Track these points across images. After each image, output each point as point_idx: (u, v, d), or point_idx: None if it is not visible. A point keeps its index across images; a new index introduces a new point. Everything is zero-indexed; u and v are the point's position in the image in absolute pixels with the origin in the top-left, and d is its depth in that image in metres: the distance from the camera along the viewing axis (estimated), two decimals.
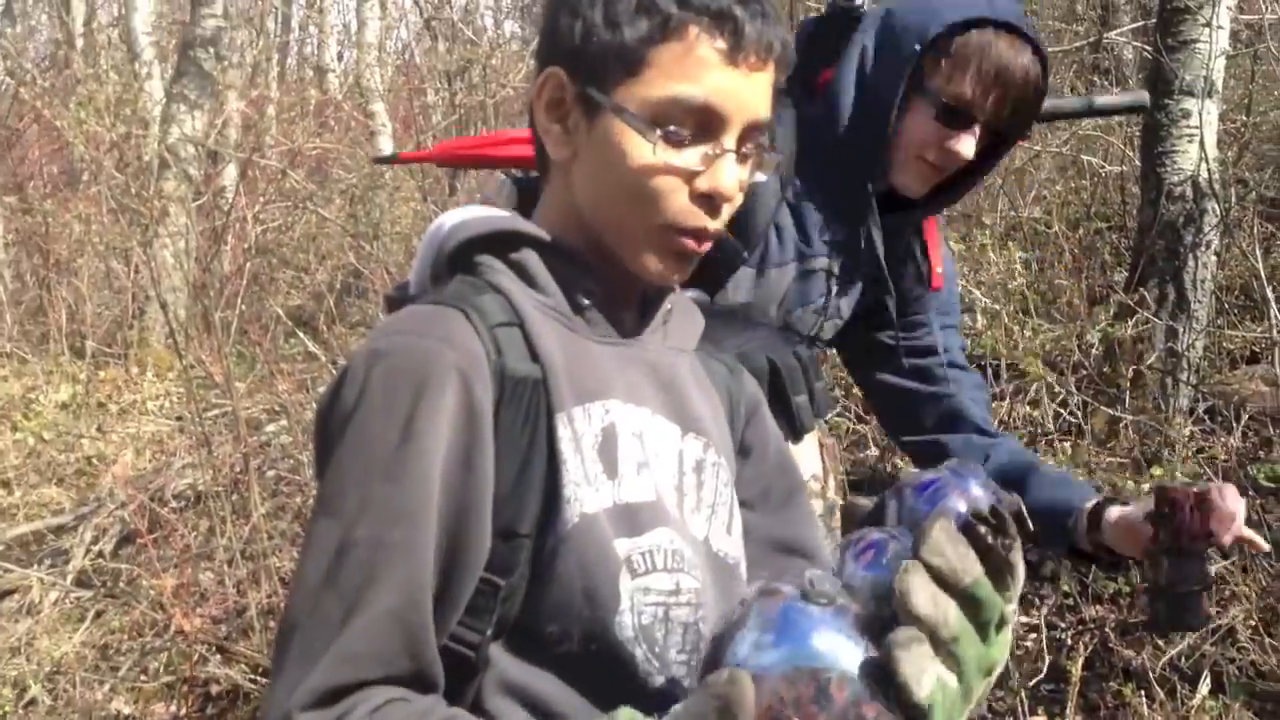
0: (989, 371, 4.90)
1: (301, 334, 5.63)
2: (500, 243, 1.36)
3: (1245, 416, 4.52)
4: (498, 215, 1.40)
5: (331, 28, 14.12)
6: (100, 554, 4.88)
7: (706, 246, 1.35)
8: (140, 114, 8.11)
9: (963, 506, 1.19)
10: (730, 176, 1.31)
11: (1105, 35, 7.01)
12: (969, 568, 1.03)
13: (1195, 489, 1.90)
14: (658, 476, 1.34)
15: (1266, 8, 5.02)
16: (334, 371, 5.47)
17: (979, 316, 5.09)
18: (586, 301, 1.37)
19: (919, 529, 1.04)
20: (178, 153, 7.96)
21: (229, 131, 8.66)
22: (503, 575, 1.24)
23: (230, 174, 8.79)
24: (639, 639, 1.26)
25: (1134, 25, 7.23)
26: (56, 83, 9.97)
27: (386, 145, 10.20)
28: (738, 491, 1.46)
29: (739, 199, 1.36)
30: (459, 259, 1.36)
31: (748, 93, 1.31)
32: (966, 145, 2.07)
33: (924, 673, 0.99)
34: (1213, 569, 1.97)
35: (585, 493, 1.27)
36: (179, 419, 6.30)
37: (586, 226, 1.37)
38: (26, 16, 17.46)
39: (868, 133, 2.10)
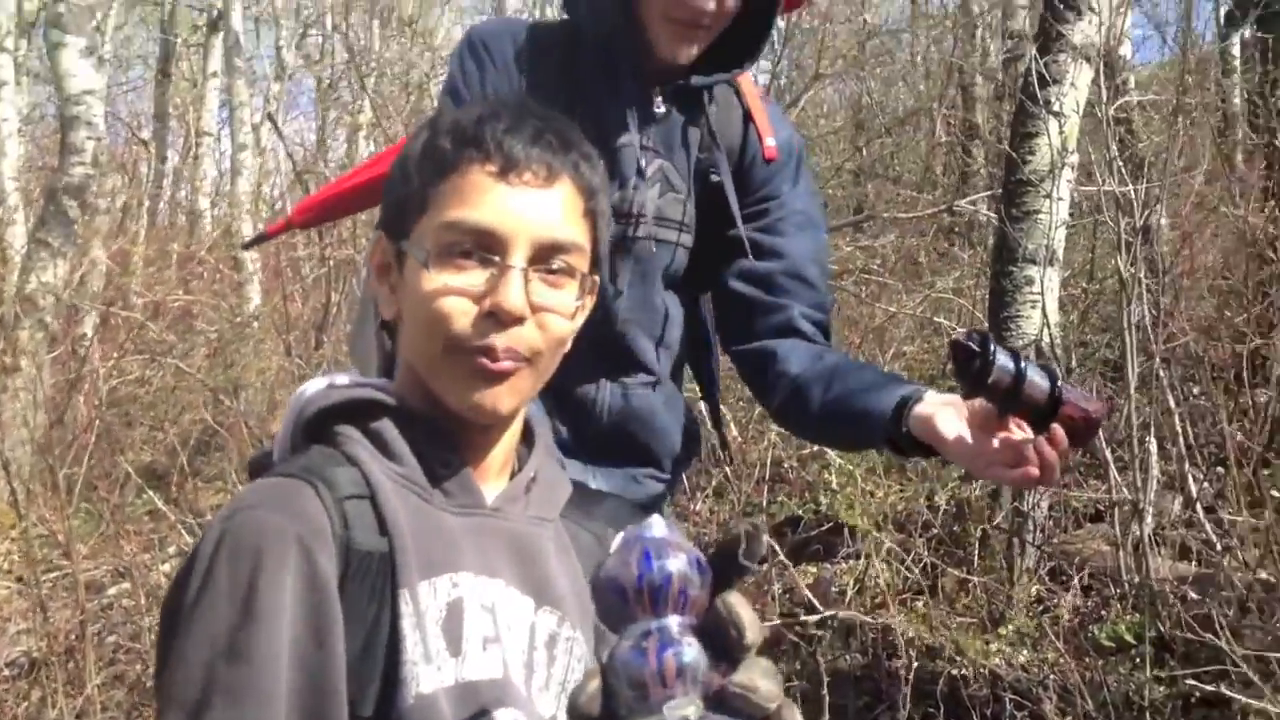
0: (845, 531, 4.98)
1: (151, 492, 5.49)
2: (359, 411, 1.36)
3: (1086, 575, 4.63)
4: (357, 385, 1.40)
5: (204, 176, 14.06)
6: None
7: (508, 365, 1.34)
8: (4, 261, 7.96)
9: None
10: (514, 292, 1.32)
11: (956, 203, 7.30)
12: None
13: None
14: (507, 652, 1.32)
15: (1104, 180, 5.27)
16: (182, 531, 5.37)
17: (834, 476, 5.18)
18: (445, 471, 1.36)
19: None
20: (35, 301, 7.79)
21: (93, 280, 8.52)
22: None
23: (91, 323, 8.64)
24: None
25: (985, 194, 7.56)
26: None
27: (255, 295, 10.15)
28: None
29: (558, 326, 1.37)
30: (317, 428, 1.36)
31: (530, 211, 1.34)
32: None
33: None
34: None
35: (423, 671, 1.24)
36: (19, 580, 6.07)
37: (419, 381, 1.38)
38: None
39: (618, 9, 2.05)
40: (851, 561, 5.00)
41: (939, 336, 7.15)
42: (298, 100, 20.74)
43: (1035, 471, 1.73)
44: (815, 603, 4.57)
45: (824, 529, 5.16)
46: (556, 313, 1.37)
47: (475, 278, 1.33)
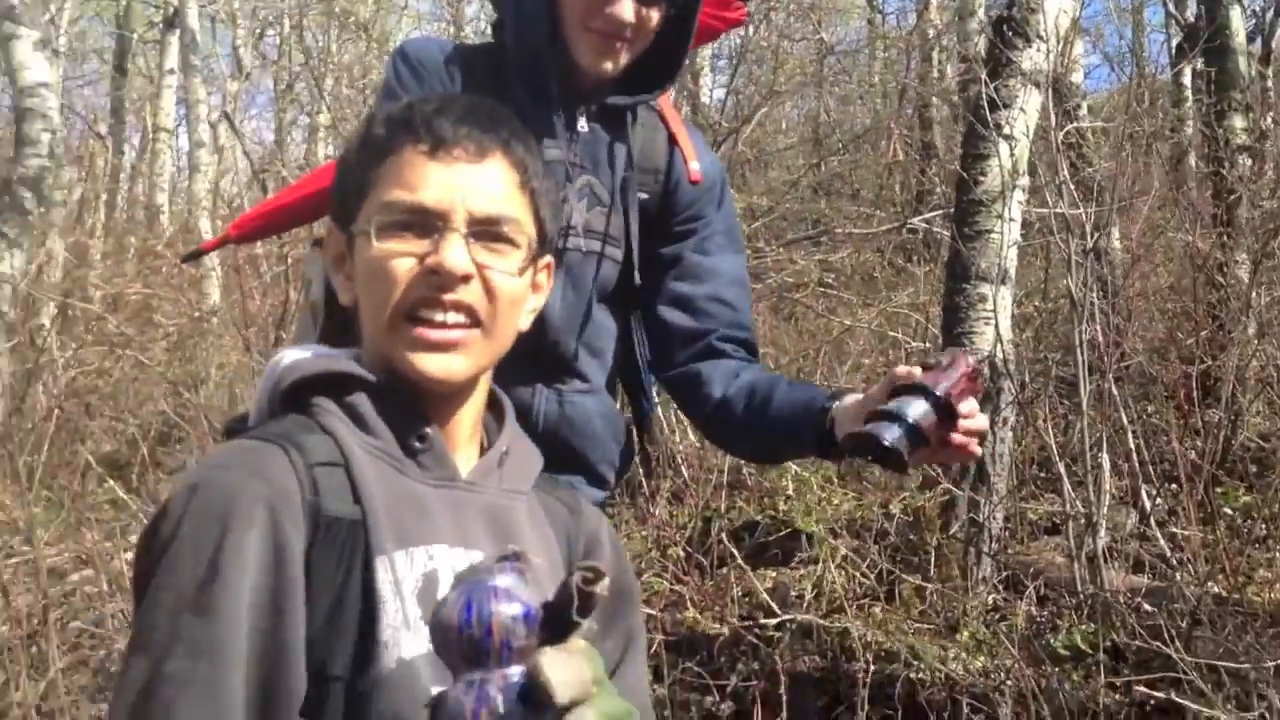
0: (802, 537, 5.05)
1: (112, 481, 5.47)
2: (334, 384, 1.40)
3: (1041, 585, 4.73)
4: (333, 356, 1.44)
5: (162, 172, 13.96)
6: None
7: (454, 335, 1.40)
8: None
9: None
10: (456, 253, 1.38)
11: (909, 221, 7.42)
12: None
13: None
14: None
15: (1054, 202, 5.41)
16: (144, 521, 5.35)
17: (790, 482, 5.26)
18: (419, 445, 1.40)
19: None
20: None
21: (51, 271, 8.46)
22: (315, 718, 1.23)
23: (48, 314, 8.57)
24: None
25: (939, 212, 7.69)
26: None
27: (213, 291, 10.10)
28: None
29: (507, 287, 1.42)
30: (293, 397, 1.40)
31: (464, 184, 1.41)
32: (622, 7, 2.04)
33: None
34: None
35: (404, 637, 1.28)
36: None
37: (380, 359, 1.42)
38: None
39: (540, 23, 2.10)
40: (809, 567, 5.08)
41: (896, 349, 7.26)
42: (255, 100, 20.66)
43: (976, 447, 1.87)
44: (774, 606, 4.64)
45: (782, 534, 5.23)
46: (501, 271, 1.42)
47: (418, 244, 1.39)
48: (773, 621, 4.54)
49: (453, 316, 1.39)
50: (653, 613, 4.58)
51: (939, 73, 11.96)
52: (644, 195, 2.24)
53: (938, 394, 1.77)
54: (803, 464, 5.38)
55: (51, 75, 9.50)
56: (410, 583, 1.30)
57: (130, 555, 5.19)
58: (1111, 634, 4.26)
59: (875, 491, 5.33)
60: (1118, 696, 4.06)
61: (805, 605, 4.81)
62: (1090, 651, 4.23)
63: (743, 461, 6.09)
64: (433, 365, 1.39)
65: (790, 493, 5.26)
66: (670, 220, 2.27)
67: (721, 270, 2.29)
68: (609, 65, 2.11)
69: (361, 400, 1.39)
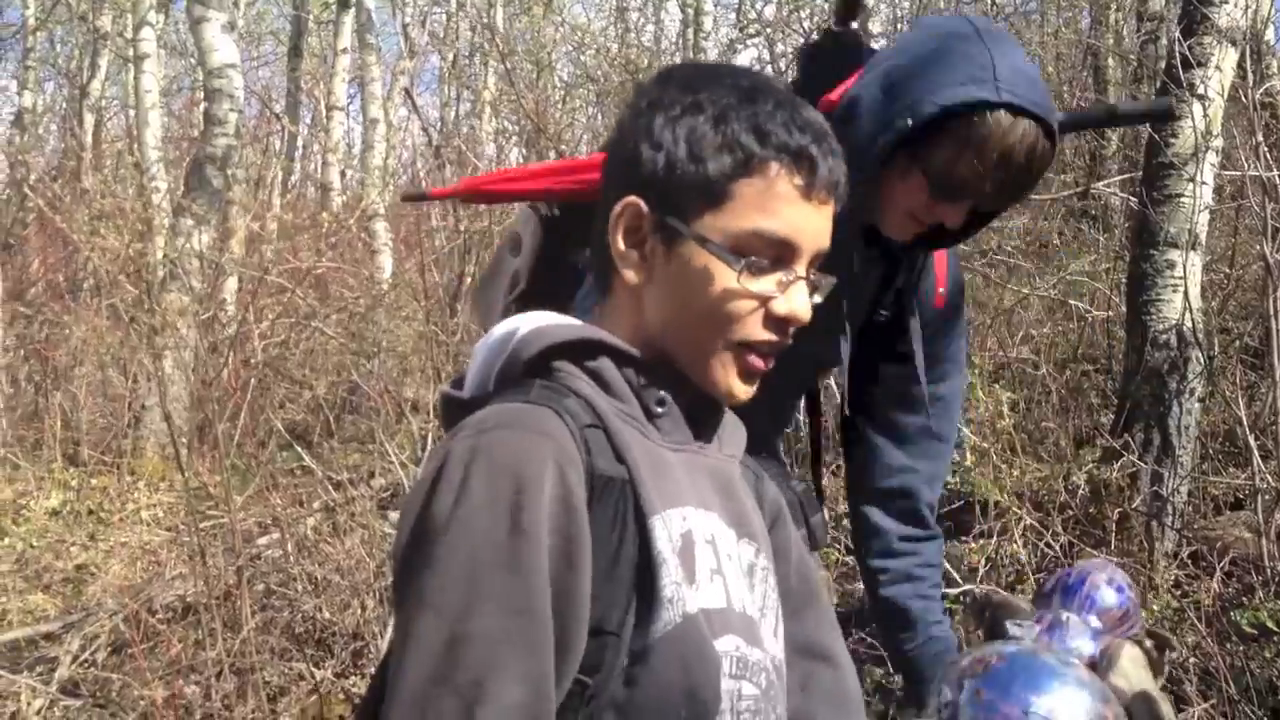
0: (977, 508, 4.97)
1: (298, 448, 5.67)
2: (576, 350, 1.41)
3: (1228, 562, 4.58)
4: (573, 323, 1.45)
5: (336, 147, 14.36)
6: (88, 663, 4.86)
7: (770, 364, 1.43)
8: (153, 227, 8.25)
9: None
10: (804, 302, 1.40)
11: (1092, 186, 7.20)
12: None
13: None
14: (729, 582, 1.38)
15: (1249, 164, 5.19)
16: (328, 487, 5.55)
17: (968, 454, 5.17)
18: (660, 409, 1.42)
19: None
20: (184, 266, 8.08)
21: (235, 246, 8.79)
22: (590, 674, 1.24)
23: (231, 288, 8.91)
24: None
25: (1121, 176, 7.44)
26: (65, 192, 10.11)
27: (387, 263, 10.37)
28: None
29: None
30: (536, 364, 1.40)
31: (818, 225, 1.40)
32: (955, 216, 2.07)
33: None
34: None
35: (687, 593, 1.30)
36: (170, 530, 6.31)
37: (655, 344, 1.43)
38: (35, 125, 17.76)
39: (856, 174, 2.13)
40: (983, 540, 4.99)
41: (1070, 321, 7.08)
42: (421, 77, 21.06)
43: None
44: (954, 575, 4.58)
45: (956, 506, 5.15)
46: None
47: (768, 284, 1.38)
48: (954, 591, 4.48)
49: (773, 347, 1.42)
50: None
51: (1114, 34, 11.54)
52: (880, 317, 2.33)
53: None
54: (981, 435, 5.28)
55: (237, 56, 9.83)
56: (675, 542, 1.32)
57: (313, 521, 5.43)
58: None
59: (1055, 463, 5.20)
60: None
61: (979, 579, 4.74)
62: (1278, 630, 4.08)
63: None
64: (743, 395, 1.43)
65: (969, 464, 5.16)
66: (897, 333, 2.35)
67: (944, 398, 2.41)
68: (906, 240, 2.16)
69: (607, 365, 1.41)
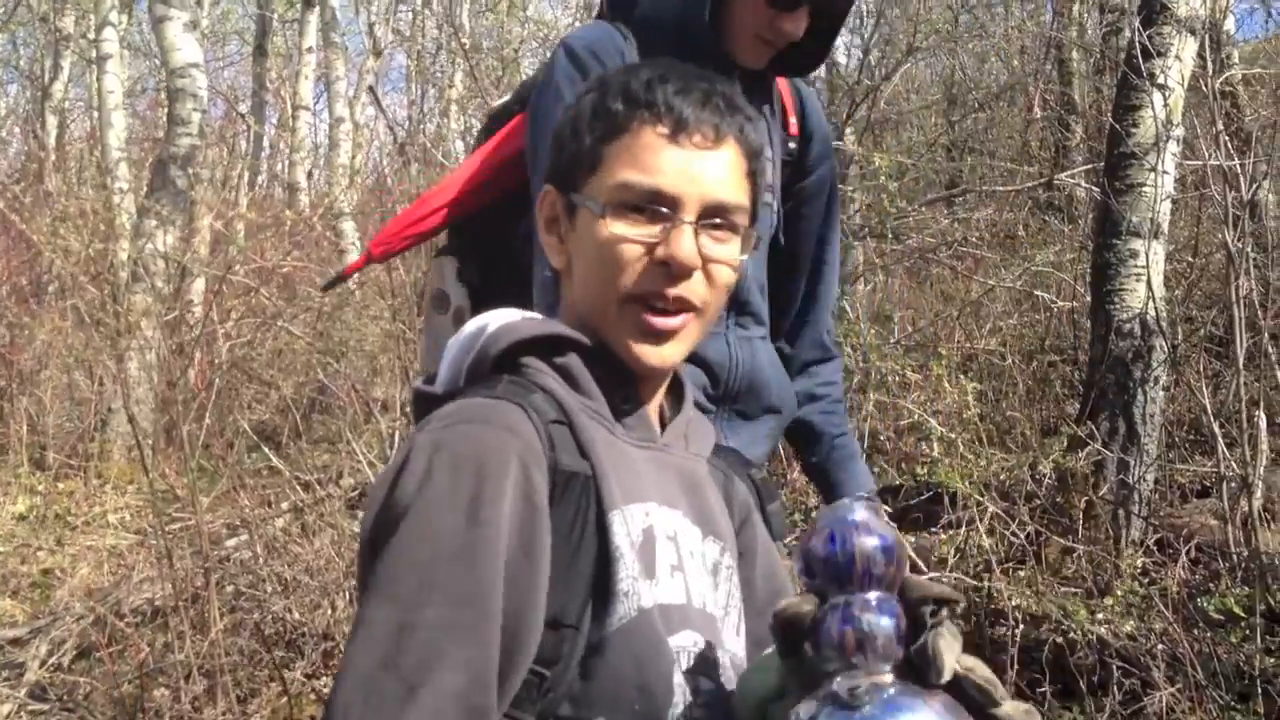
0: (945, 499, 4.99)
1: (265, 449, 5.64)
2: (545, 346, 1.43)
3: (1194, 549, 4.61)
4: (539, 319, 1.47)
5: (302, 146, 14.29)
6: (56, 667, 4.82)
7: (676, 322, 1.42)
8: (115, 229, 8.19)
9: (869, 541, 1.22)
10: (686, 245, 1.40)
11: (1056, 177, 7.24)
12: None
13: None
14: (689, 579, 1.39)
15: (1210, 154, 5.23)
16: (297, 488, 5.53)
17: (935, 444, 5.19)
18: (627, 406, 1.44)
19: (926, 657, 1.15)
20: (148, 267, 8.02)
21: (200, 247, 8.74)
22: (548, 666, 1.25)
23: (198, 288, 8.85)
24: None
25: (1085, 167, 7.48)
26: (28, 195, 10.02)
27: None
28: None
29: (725, 276, 1.45)
30: (504, 360, 1.42)
31: (698, 171, 1.41)
32: (796, 25, 2.17)
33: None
34: None
35: (643, 588, 1.31)
36: (138, 533, 6.27)
37: (588, 329, 1.45)
38: None
39: (697, 15, 2.18)
40: (951, 531, 5.01)
41: (1036, 311, 7.12)
42: (389, 75, 20.99)
43: None
44: (921, 565, 4.60)
45: (924, 498, 5.17)
46: (724, 263, 1.44)
47: (648, 230, 1.40)
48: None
49: (676, 301, 1.42)
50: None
51: (1078, 26, 11.61)
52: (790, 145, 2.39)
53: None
54: (948, 426, 5.30)
55: (200, 56, 9.77)
56: (635, 536, 1.34)
57: (281, 522, 5.40)
58: (1268, 597, 4.14)
59: (1021, 452, 5.23)
60: (1274, 661, 3.95)
61: (948, 569, 4.75)
62: (1245, 615, 4.12)
63: (882, 426, 6.05)
64: (651, 355, 1.43)
65: (935, 454, 5.18)
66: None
67: (823, 235, 2.51)
68: (762, 64, 2.25)
69: (574, 361, 1.43)
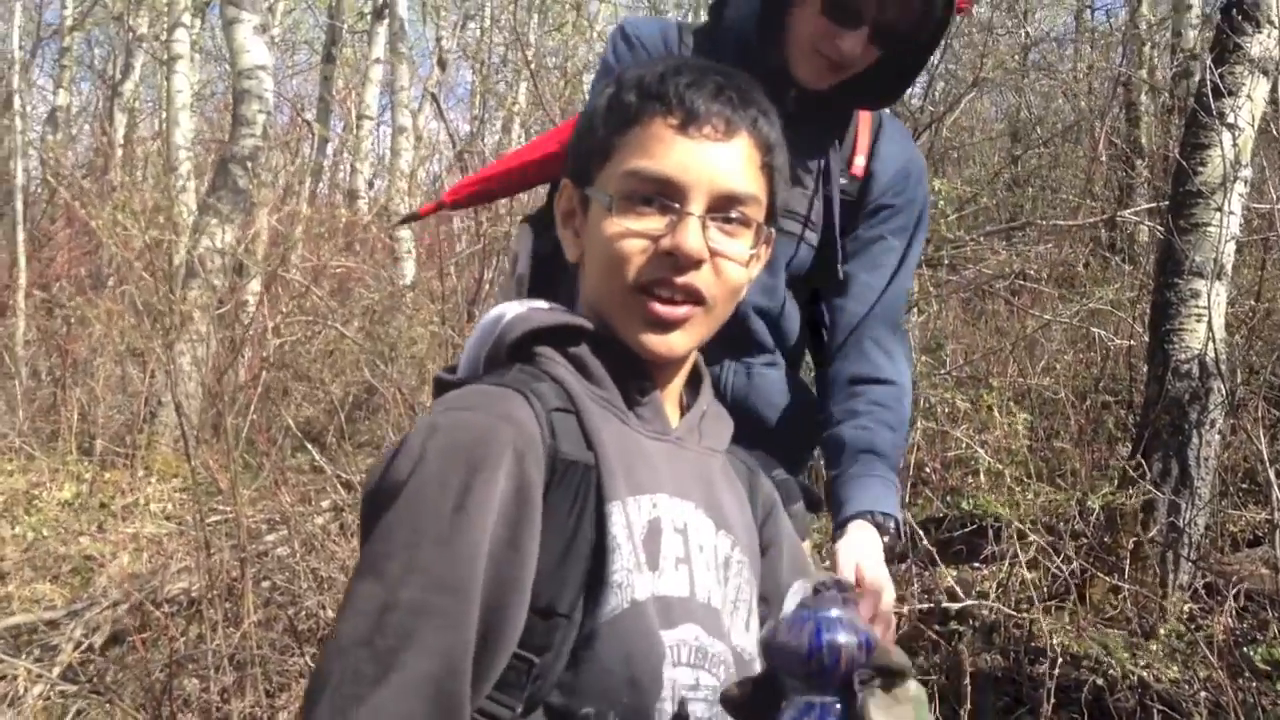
0: (990, 532, 4.91)
1: (310, 447, 5.66)
2: (559, 336, 1.43)
3: (1243, 596, 4.52)
4: (557, 310, 1.48)
5: (366, 155, 14.42)
6: (89, 650, 4.85)
7: (681, 311, 1.41)
8: (174, 221, 8.28)
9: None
10: (692, 236, 1.39)
11: (1119, 214, 7.15)
12: None
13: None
14: (695, 572, 1.38)
15: (1278, 196, 5.15)
16: (338, 487, 5.53)
17: (982, 476, 5.12)
18: (640, 397, 1.44)
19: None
20: (205, 263, 8.10)
21: (257, 247, 8.82)
22: (537, 653, 1.26)
23: (254, 287, 8.94)
24: None
25: (1148, 206, 7.38)
26: (93, 188, 10.17)
27: (410, 269, 10.38)
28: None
29: (734, 273, 1.43)
30: (518, 349, 1.43)
31: (708, 162, 1.40)
32: (854, 44, 2.04)
33: None
34: None
35: (637, 579, 1.31)
36: (178, 522, 6.31)
37: (600, 320, 1.45)
38: (69, 124, 17.91)
39: (764, 24, 2.11)
40: (994, 566, 4.93)
41: (1092, 351, 7.02)
42: (454, 90, 21.15)
43: None
44: (959, 591, 4.52)
45: (968, 530, 5.10)
46: (732, 259, 1.43)
47: (655, 222, 1.40)
48: (955, 607, 4.42)
49: (682, 289, 1.41)
50: None
51: (1148, 68, 11.51)
52: (843, 181, 2.22)
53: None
54: (996, 456, 5.23)
55: (268, 59, 9.89)
56: (638, 529, 1.34)
57: (321, 520, 5.41)
58: None
59: (1071, 488, 5.14)
60: None
61: (990, 601, 4.67)
62: None
63: (928, 457, 5.97)
64: (658, 344, 1.42)
65: (981, 487, 5.11)
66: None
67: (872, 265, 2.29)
68: (823, 87, 2.13)
69: (586, 352, 1.43)
